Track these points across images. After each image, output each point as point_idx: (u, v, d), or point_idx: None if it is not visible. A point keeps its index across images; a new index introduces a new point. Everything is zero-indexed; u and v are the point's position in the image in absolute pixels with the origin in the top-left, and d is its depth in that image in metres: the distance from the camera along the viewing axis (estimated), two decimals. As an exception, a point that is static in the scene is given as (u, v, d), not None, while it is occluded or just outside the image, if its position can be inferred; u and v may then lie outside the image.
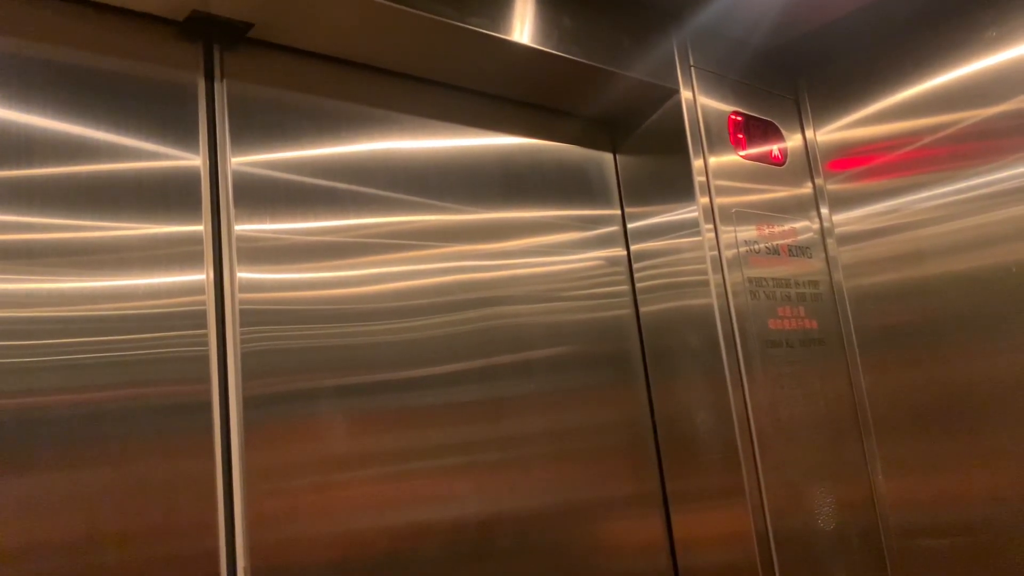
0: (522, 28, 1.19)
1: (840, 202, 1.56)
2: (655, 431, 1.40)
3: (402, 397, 1.09)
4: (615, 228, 1.47)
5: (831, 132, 1.59)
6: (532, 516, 1.20)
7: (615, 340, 1.40)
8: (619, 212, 1.48)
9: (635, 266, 1.46)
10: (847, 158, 1.56)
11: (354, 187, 1.12)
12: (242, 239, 0.99)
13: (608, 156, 1.51)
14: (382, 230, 1.14)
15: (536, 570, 1.18)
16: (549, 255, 1.34)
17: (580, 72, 1.30)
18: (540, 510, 1.21)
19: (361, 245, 1.11)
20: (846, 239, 1.54)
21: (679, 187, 1.38)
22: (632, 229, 1.47)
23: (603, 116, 1.49)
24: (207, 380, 0.92)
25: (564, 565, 1.21)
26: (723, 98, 1.46)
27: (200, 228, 0.96)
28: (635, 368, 1.42)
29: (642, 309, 1.44)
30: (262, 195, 1.02)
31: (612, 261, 1.44)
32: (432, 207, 1.20)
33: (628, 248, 1.47)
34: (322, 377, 1.02)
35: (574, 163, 1.45)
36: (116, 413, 0.86)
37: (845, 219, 1.55)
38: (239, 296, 0.97)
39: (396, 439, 1.08)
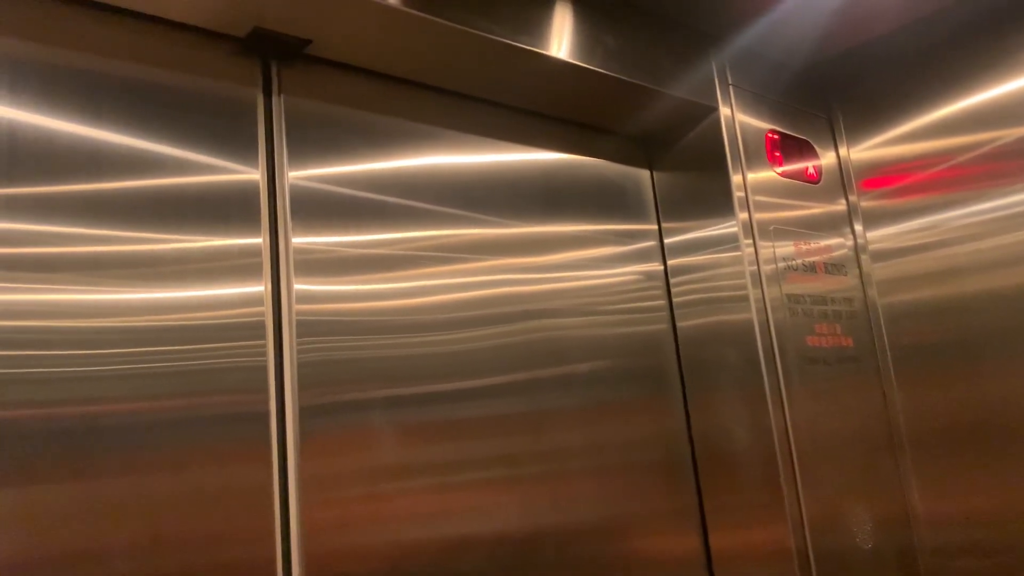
0: (564, 45, 1.21)
1: (874, 219, 1.56)
2: (692, 447, 1.41)
3: (448, 408, 1.10)
4: (652, 243, 1.48)
5: (865, 150, 1.60)
6: (572, 529, 1.20)
7: (652, 354, 1.41)
8: (656, 227, 1.50)
9: (672, 281, 1.47)
10: (881, 176, 1.57)
11: (403, 201, 1.13)
12: (299, 251, 1.01)
13: (645, 172, 1.52)
14: (430, 243, 1.15)
15: (577, 583, 1.18)
16: (588, 269, 1.35)
17: (621, 89, 1.31)
18: (579, 523, 1.21)
19: (410, 258, 1.12)
20: (880, 256, 1.55)
21: (717, 203, 1.39)
22: (669, 244, 1.48)
23: (641, 133, 1.50)
24: (265, 390, 0.94)
25: (604, 579, 1.22)
26: (760, 116, 1.47)
27: (259, 241, 0.98)
28: (672, 383, 1.42)
29: (679, 324, 1.45)
30: (317, 209, 1.04)
31: (649, 275, 1.45)
32: (477, 220, 1.22)
33: (665, 263, 1.48)
34: (373, 387, 1.03)
35: (612, 179, 1.46)
36: (177, 422, 0.87)
37: (879, 236, 1.55)
38: (296, 307, 0.98)
39: (442, 450, 1.09)
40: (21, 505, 0.77)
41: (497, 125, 1.30)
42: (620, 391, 1.34)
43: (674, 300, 1.46)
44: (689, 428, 1.41)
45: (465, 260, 1.19)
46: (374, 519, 1.00)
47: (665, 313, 1.45)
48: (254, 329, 0.94)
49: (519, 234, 1.27)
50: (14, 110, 0.85)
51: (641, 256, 1.45)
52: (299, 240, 1.01)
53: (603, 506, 1.26)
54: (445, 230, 1.18)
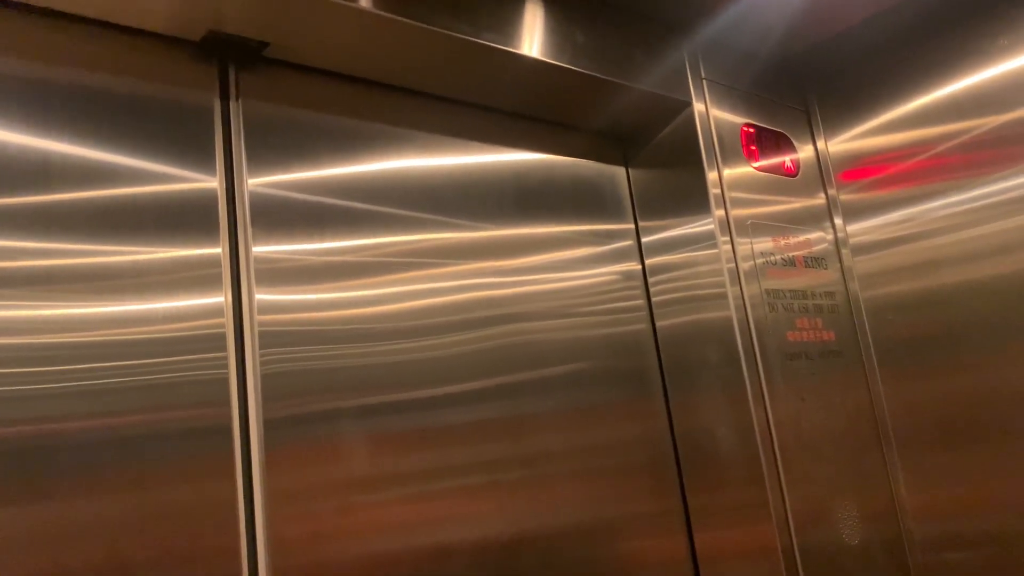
0: (535, 43, 1.19)
1: (854, 212, 1.55)
2: (675, 446, 1.39)
3: (423, 416, 1.08)
4: (629, 242, 1.46)
5: (843, 142, 1.58)
6: (555, 534, 1.18)
7: (632, 355, 1.39)
8: (633, 226, 1.48)
9: (650, 280, 1.45)
10: (860, 168, 1.55)
11: (370, 206, 1.11)
12: (260, 260, 0.98)
13: (620, 170, 1.50)
14: (399, 248, 1.13)
15: (559, 590, 1.16)
16: (564, 271, 1.33)
17: (593, 86, 1.29)
18: (562, 528, 1.19)
19: (378, 264, 1.10)
20: (861, 249, 1.53)
21: (694, 200, 1.37)
22: (647, 243, 1.46)
23: (615, 130, 1.49)
24: (227, 403, 0.91)
25: (587, 585, 1.20)
26: (735, 110, 1.46)
27: (218, 250, 0.95)
28: (653, 383, 1.41)
29: (659, 323, 1.43)
30: (279, 216, 1.02)
31: (627, 275, 1.43)
32: (448, 224, 1.20)
33: (643, 262, 1.46)
34: (342, 397, 1.01)
35: (587, 178, 1.44)
36: (136, 438, 0.85)
37: (859, 229, 1.54)
38: (258, 318, 0.96)
39: (418, 459, 1.06)
40: (-29, 530, 0.75)
41: (468, 126, 1.28)
42: (601, 393, 1.32)
43: (653, 299, 1.44)
44: (672, 428, 1.40)
45: (437, 265, 1.17)
46: (346, 532, 0.98)
47: (644, 313, 1.44)
48: (215, 341, 0.92)
49: (493, 237, 1.25)
50: (-45, 121, 0.82)
51: (618, 256, 1.43)
52: (260, 249, 0.99)
53: (587, 509, 1.24)
54: (415, 235, 1.15)
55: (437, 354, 1.12)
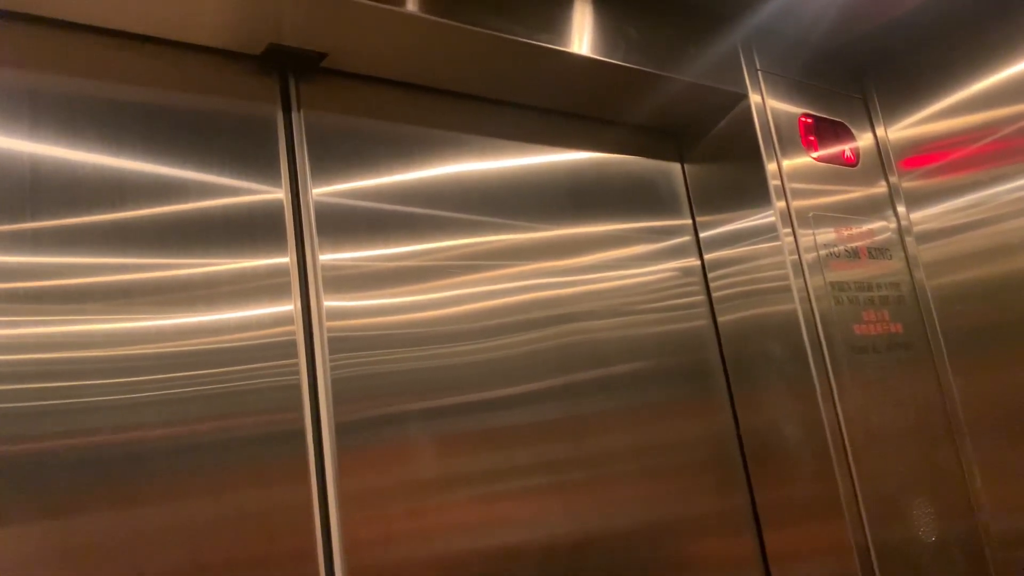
0: (585, 41, 1.19)
1: (917, 200, 1.51)
2: (740, 444, 1.37)
3: (487, 417, 1.09)
4: (687, 238, 1.45)
5: (902, 129, 1.54)
6: (620, 534, 1.18)
7: (694, 352, 1.38)
8: (690, 222, 1.46)
9: (710, 275, 1.43)
10: (921, 155, 1.51)
11: (430, 211, 1.12)
12: (327, 268, 1.00)
13: (676, 166, 1.49)
14: (459, 252, 1.14)
15: (629, 590, 1.15)
16: (622, 268, 1.33)
17: (646, 81, 1.29)
18: (628, 528, 1.19)
19: (440, 268, 1.11)
20: (926, 237, 1.49)
21: (753, 193, 1.35)
22: (705, 238, 1.45)
23: (669, 125, 1.47)
24: (299, 408, 0.93)
25: (656, 585, 1.19)
26: (792, 100, 1.43)
27: (286, 260, 0.97)
28: (716, 380, 1.39)
29: (720, 319, 1.41)
30: (343, 224, 1.03)
31: (686, 271, 1.42)
32: (505, 226, 1.20)
33: (702, 257, 1.44)
34: (409, 400, 1.02)
35: (642, 175, 1.43)
36: (213, 445, 0.87)
37: (923, 217, 1.50)
38: (327, 324, 0.97)
39: (483, 460, 1.07)
40: (63, 537, 0.78)
41: (521, 127, 1.28)
42: (662, 391, 1.31)
43: (713, 295, 1.43)
44: (737, 425, 1.38)
45: (495, 267, 1.17)
46: (417, 533, 0.98)
47: (705, 309, 1.42)
48: (286, 348, 0.94)
49: (549, 237, 1.25)
50: (35, 143, 0.85)
51: (676, 252, 1.42)
52: (327, 257, 1.00)
53: (652, 509, 1.23)
54: (473, 238, 1.16)
55: (499, 355, 1.13)
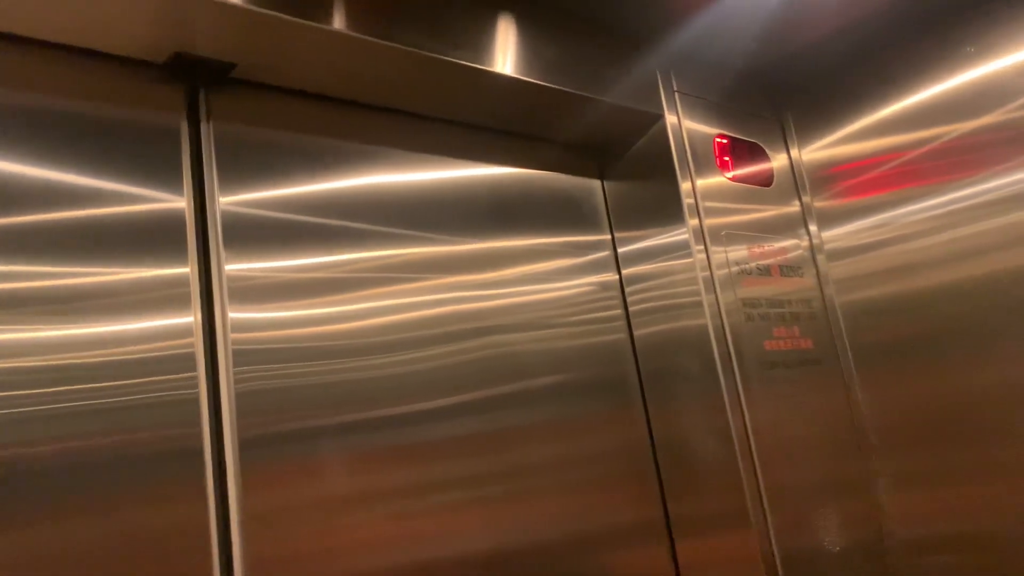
0: (506, 59, 1.20)
1: (828, 219, 1.56)
2: (655, 456, 1.39)
3: (402, 432, 1.08)
4: (606, 253, 1.47)
5: (816, 151, 1.60)
6: (538, 548, 1.18)
7: (612, 365, 1.39)
8: (609, 237, 1.48)
9: (627, 290, 1.46)
10: (833, 176, 1.57)
11: (344, 223, 1.11)
12: (233, 279, 0.98)
13: (596, 183, 1.51)
14: (374, 264, 1.13)
15: (541, 604, 1.16)
16: (542, 282, 1.34)
17: (565, 101, 1.30)
18: (545, 541, 1.19)
19: (354, 280, 1.10)
20: (836, 255, 1.54)
21: (668, 210, 1.38)
22: (623, 253, 1.47)
23: (590, 143, 1.49)
24: (197, 423, 0.90)
25: (569, 598, 1.19)
26: (708, 121, 1.47)
27: (187, 270, 0.95)
28: (633, 393, 1.41)
29: (636, 332, 1.44)
30: (252, 234, 1.02)
31: (604, 286, 1.44)
32: (424, 239, 1.20)
33: (620, 272, 1.47)
34: (319, 415, 1.01)
35: (563, 191, 1.45)
36: (105, 462, 0.84)
37: (834, 235, 1.55)
38: (231, 336, 0.95)
39: (397, 476, 1.06)
40: (-63, 559, 0.74)
41: (442, 142, 1.28)
42: (581, 404, 1.32)
43: (630, 309, 1.45)
44: (651, 437, 1.40)
45: (412, 280, 1.16)
46: (326, 551, 0.97)
47: (622, 322, 1.44)
48: (184, 360, 0.91)
49: (469, 251, 1.25)
50: (-83, 147, 0.82)
51: (596, 267, 1.44)
52: (233, 267, 0.98)
53: (570, 522, 1.23)
54: (390, 250, 1.15)
55: (415, 368, 1.12)
